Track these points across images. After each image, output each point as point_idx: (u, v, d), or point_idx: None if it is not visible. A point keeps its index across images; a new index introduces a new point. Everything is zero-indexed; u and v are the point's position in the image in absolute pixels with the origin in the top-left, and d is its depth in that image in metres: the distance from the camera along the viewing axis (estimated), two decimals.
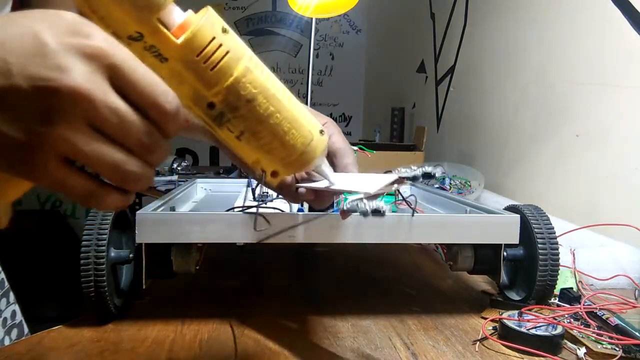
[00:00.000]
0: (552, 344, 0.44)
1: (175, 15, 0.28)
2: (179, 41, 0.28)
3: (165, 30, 0.28)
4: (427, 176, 0.40)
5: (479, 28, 1.48)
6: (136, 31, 0.27)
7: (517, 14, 1.24)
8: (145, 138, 0.26)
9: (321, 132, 0.36)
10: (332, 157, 0.46)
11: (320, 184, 0.41)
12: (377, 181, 0.39)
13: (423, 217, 0.56)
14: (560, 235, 0.55)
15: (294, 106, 0.34)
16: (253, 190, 0.71)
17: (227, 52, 0.29)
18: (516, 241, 0.52)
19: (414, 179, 0.40)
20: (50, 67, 0.23)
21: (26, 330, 0.60)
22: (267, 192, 0.71)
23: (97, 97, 0.23)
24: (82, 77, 0.23)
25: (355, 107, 3.17)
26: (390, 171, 0.43)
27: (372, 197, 0.39)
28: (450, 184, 1.16)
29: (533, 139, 1.13)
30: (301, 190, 0.43)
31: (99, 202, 0.26)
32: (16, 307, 0.60)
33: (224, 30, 0.29)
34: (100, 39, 0.24)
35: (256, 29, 3.09)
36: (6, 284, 0.59)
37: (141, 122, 0.25)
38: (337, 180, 0.40)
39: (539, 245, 0.51)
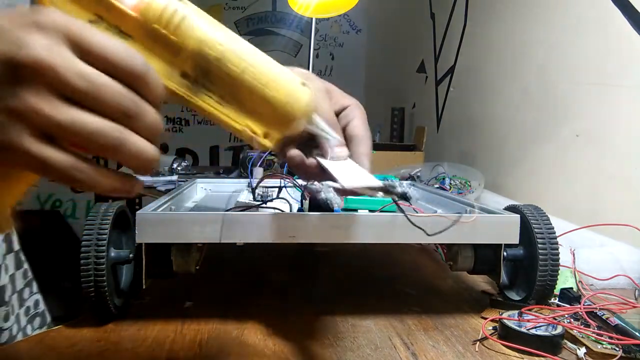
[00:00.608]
0: (552, 344, 0.44)
1: None
2: (135, 14, 0.29)
3: (121, 5, 0.29)
4: (404, 197, 0.38)
5: (479, 28, 1.48)
6: (95, 14, 0.29)
7: (517, 14, 1.24)
8: (124, 101, 0.25)
9: (303, 84, 0.35)
10: (348, 143, 0.43)
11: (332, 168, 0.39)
12: (361, 179, 0.38)
13: (423, 217, 0.56)
14: (560, 235, 0.55)
15: (267, 60, 0.34)
16: (253, 191, 0.71)
17: (184, 17, 0.30)
18: (516, 241, 0.52)
19: (401, 196, 0.38)
20: (8, 42, 0.23)
21: (48, 319, 0.60)
22: (267, 192, 0.71)
23: (58, 64, 0.23)
24: (41, 47, 0.23)
25: None
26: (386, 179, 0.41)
27: (344, 191, 0.38)
28: (450, 184, 1.16)
29: (533, 138, 1.13)
30: (311, 161, 0.40)
31: (89, 181, 0.25)
32: (39, 297, 0.60)
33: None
34: (56, 14, 0.24)
35: (256, 29, 3.09)
36: (30, 274, 0.60)
37: (115, 85, 0.25)
38: (332, 165, 0.39)
39: (539, 245, 0.51)
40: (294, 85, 0.35)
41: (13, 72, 0.23)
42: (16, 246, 0.58)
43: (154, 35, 0.30)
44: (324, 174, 0.40)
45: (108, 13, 0.29)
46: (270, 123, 0.34)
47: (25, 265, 0.59)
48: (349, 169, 0.41)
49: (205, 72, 0.31)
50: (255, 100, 0.33)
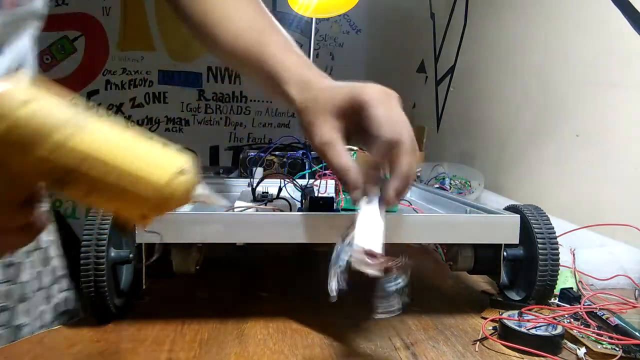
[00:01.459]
0: (552, 344, 0.44)
1: None
2: None
3: None
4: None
5: (479, 28, 1.48)
6: None
7: (518, 14, 1.24)
8: None
9: (181, 171, 0.31)
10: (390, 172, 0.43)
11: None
12: (369, 242, 0.39)
13: (423, 217, 0.56)
14: (560, 235, 0.55)
15: (137, 154, 0.29)
16: (253, 191, 0.71)
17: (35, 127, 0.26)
18: (516, 241, 0.52)
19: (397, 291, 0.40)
20: None
21: (81, 315, 0.60)
22: (267, 192, 0.71)
23: None
24: None
25: None
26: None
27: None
28: (450, 184, 1.16)
29: (533, 139, 1.13)
30: None
31: None
32: (69, 294, 0.61)
33: (25, 103, 0.26)
34: None
35: None
36: (60, 271, 0.60)
37: None
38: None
39: (539, 245, 0.51)
40: (169, 176, 0.30)
41: None
42: (44, 243, 0.58)
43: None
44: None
45: None
46: (145, 209, 0.31)
47: (55, 262, 0.60)
48: (369, 223, 0.42)
49: (66, 174, 0.28)
50: (127, 195, 0.29)
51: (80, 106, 0.28)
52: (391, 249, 0.41)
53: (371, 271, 0.39)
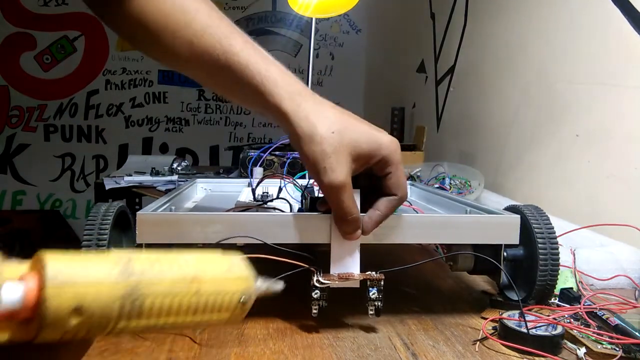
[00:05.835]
0: (552, 344, 0.44)
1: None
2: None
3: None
4: None
5: (479, 28, 1.48)
6: None
7: (518, 13, 1.24)
8: None
9: (241, 301, 0.31)
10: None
11: None
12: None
13: (423, 217, 0.56)
14: (561, 235, 0.55)
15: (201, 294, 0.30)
16: (253, 191, 0.71)
17: (88, 330, 0.26)
18: (516, 241, 0.52)
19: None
20: None
21: None
22: (267, 192, 0.71)
23: None
24: None
25: (355, 107, 3.15)
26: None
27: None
28: (450, 184, 1.16)
29: (533, 139, 1.13)
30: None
31: None
32: None
33: (77, 311, 0.25)
34: None
35: (256, 28, 3.09)
36: None
37: None
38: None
39: (539, 246, 0.51)
40: (232, 309, 0.31)
41: None
42: None
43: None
44: None
45: None
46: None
47: None
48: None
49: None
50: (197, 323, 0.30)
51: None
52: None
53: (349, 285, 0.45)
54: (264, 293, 0.33)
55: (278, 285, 0.34)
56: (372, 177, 0.49)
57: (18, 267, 0.25)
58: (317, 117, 0.46)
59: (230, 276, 0.31)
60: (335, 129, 0.45)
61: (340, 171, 0.45)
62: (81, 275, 0.25)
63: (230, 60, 0.47)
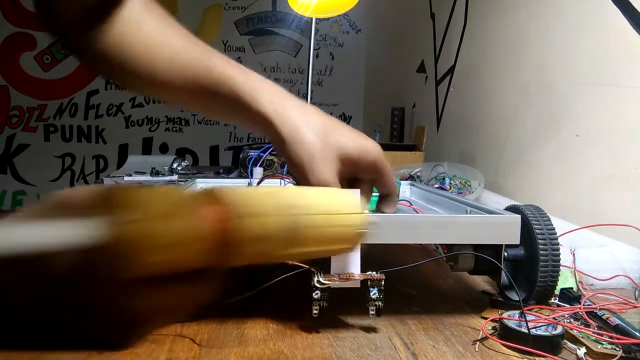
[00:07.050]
0: (552, 344, 0.44)
1: None
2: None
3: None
4: None
5: (479, 28, 1.48)
6: None
7: (518, 13, 1.24)
8: None
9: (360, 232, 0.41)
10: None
11: None
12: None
13: (423, 217, 0.56)
14: (561, 235, 0.55)
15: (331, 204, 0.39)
16: None
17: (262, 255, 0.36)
18: (517, 241, 0.52)
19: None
20: None
21: None
22: None
23: None
24: None
25: (355, 107, 3.17)
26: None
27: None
28: (450, 184, 1.16)
29: (533, 139, 1.13)
30: None
31: None
32: None
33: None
34: None
35: (256, 29, 3.09)
36: None
37: None
38: None
39: (540, 246, 0.51)
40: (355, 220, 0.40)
41: None
42: None
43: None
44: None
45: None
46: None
47: None
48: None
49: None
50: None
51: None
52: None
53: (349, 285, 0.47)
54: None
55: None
56: (352, 183, 0.50)
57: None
58: (301, 120, 0.46)
59: (353, 210, 0.40)
60: (319, 131, 0.46)
61: (327, 170, 0.45)
62: (259, 207, 0.34)
63: (212, 72, 0.47)
